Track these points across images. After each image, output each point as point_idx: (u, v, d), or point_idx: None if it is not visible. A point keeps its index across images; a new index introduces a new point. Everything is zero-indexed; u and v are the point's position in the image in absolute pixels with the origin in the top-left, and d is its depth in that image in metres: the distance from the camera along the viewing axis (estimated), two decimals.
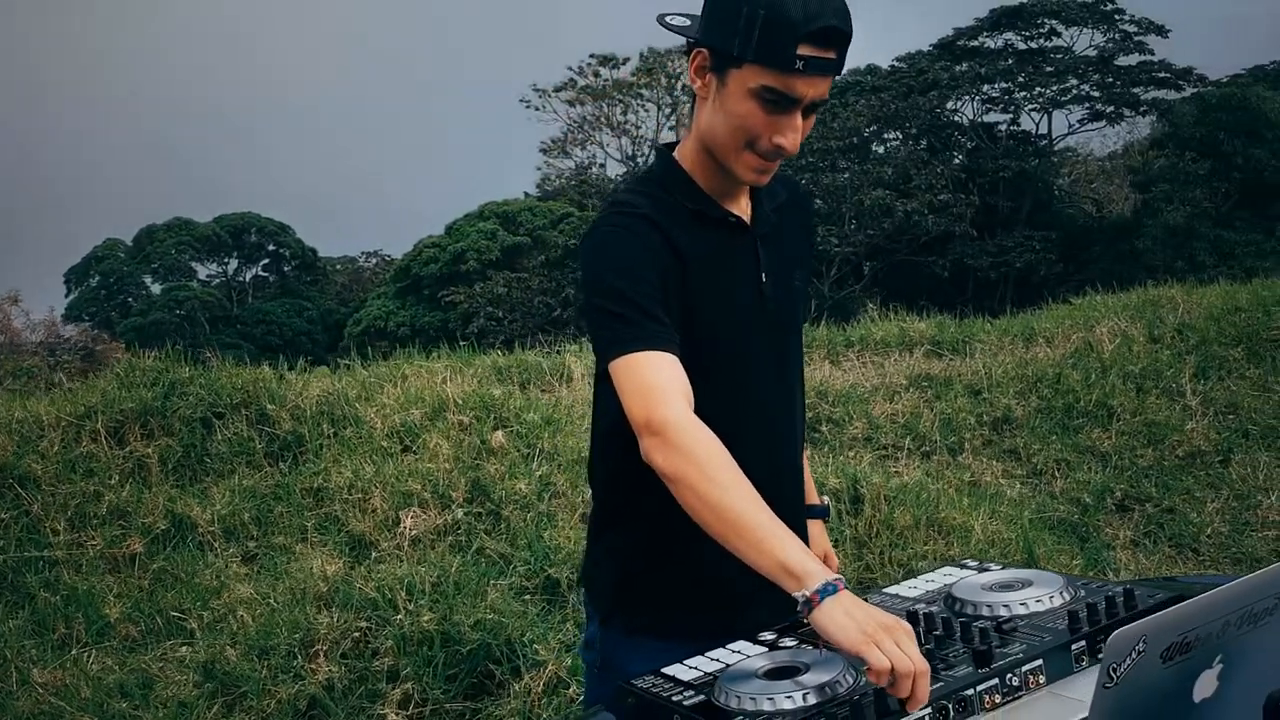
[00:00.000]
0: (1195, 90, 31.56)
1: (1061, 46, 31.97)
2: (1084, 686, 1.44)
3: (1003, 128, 33.08)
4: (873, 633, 1.45)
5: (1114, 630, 1.48)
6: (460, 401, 5.62)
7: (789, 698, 1.45)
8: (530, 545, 4.45)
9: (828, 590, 1.52)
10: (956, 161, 31.21)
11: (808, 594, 1.53)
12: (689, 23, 1.85)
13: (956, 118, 32.54)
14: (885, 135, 31.60)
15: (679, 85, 36.90)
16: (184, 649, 4.09)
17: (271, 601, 4.20)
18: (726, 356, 1.87)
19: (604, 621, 1.98)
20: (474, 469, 5.06)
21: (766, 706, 1.44)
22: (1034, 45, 32.02)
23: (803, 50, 1.66)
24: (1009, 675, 1.46)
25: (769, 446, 1.92)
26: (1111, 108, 32.01)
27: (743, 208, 1.90)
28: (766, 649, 1.68)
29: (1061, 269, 30.59)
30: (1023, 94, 31.59)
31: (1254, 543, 4.90)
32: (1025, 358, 6.60)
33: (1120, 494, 5.30)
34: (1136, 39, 30.99)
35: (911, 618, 1.62)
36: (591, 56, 36.65)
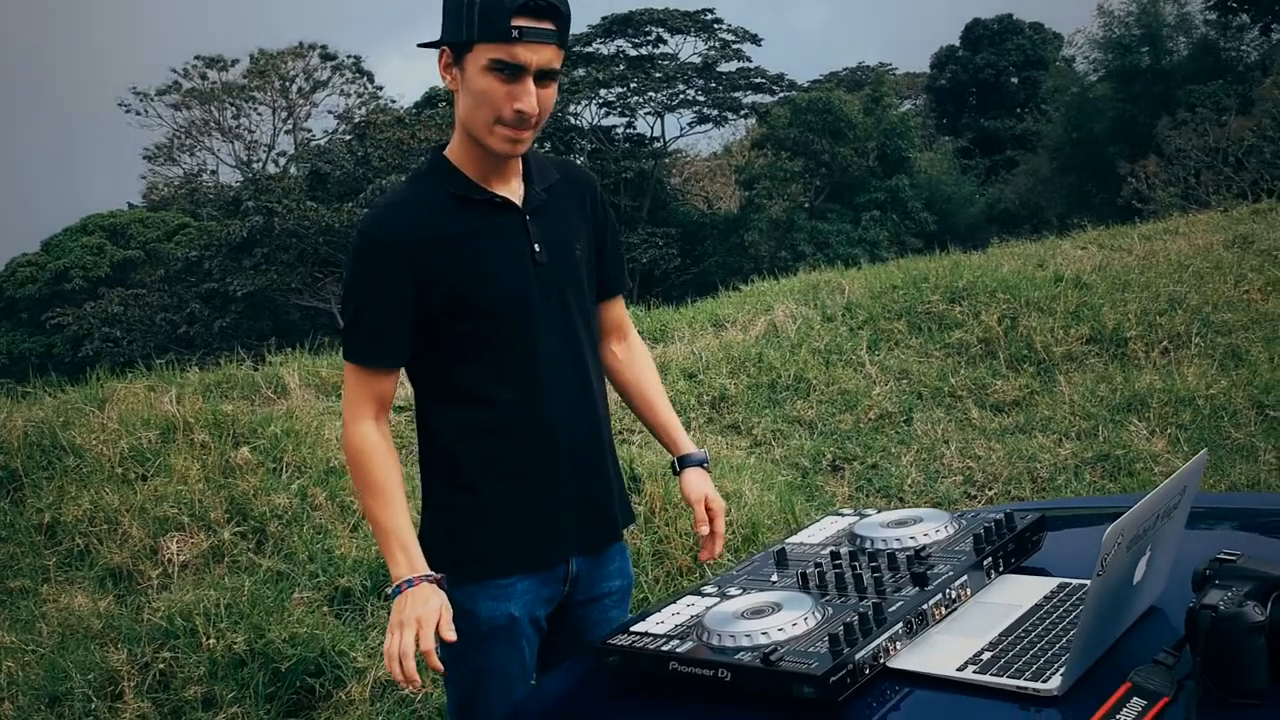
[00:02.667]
0: (786, 94, 34.47)
1: (668, 54, 33.93)
2: (1000, 593, 1.76)
3: (620, 131, 34.65)
4: (395, 625, 1.94)
5: (1008, 546, 1.86)
6: (192, 420, 5.34)
7: (780, 630, 1.61)
8: (313, 558, 4.36)
9: (397, 591, 1.99)
10: (581, 164, 32.33)
11: (394, 581, 2.02)
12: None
13: (577, 121, 33.69)
14: None
15: (294, 88, 35.73)
16: None
17: (37, 648, 3.87)
18: (509, 318, 2.13)
19: (450, 579, 2.11)
20: (226, 488, 4.86)
21: (764, 640, 1.59)
22: (644, 52, 33.76)
23: (517, 21, 1.95)
24: (946, 590, 1.71)
25: (564, 397, 2.18)
26: (716, 111, 34.32)
27: (513, 189, 2.16)
28: (718, 599, 1.86)
29: (679, 263, 32.52)
30: (636, 98, 33.20)
31: (946, 487, 5.63)
32: (725, 341, 7.13)
33: (830, 456, 5.89)
34: (735, 47, 33.43)
35: (841, 556, 1.90)
36: (197, 58, 34.68)
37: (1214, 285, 8.08)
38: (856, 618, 1.59)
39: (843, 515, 2.21)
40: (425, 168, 2.17)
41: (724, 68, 33.65)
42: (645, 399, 2.46)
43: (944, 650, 1.60)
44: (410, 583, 1.99)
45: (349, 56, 35.58)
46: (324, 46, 35.31)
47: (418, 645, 1.92)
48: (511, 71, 1.99)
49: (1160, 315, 7.39)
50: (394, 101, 35.96)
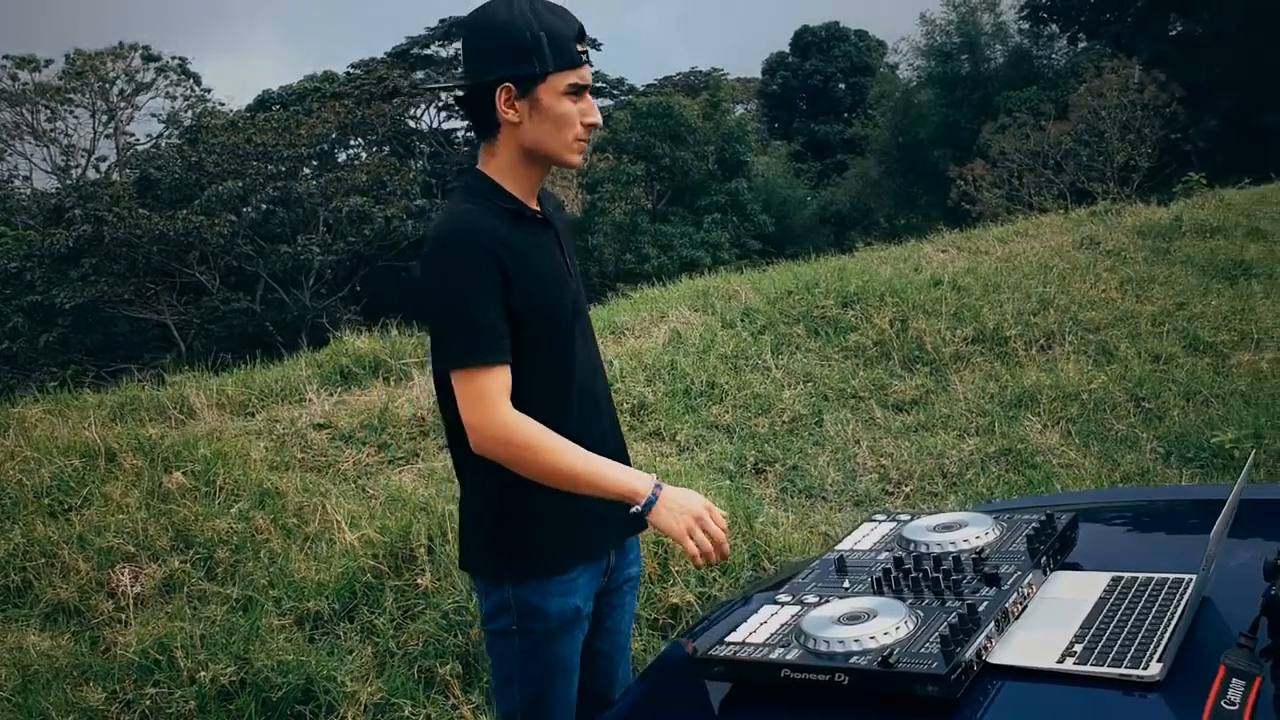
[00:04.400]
0: (626, 99, 34.81)
1: None
2: (1060, 589, 1.90)
3: (460, 134, 34.35)
4: (690, 527, 2.10)
5: (1056, 544, 2.04)
6: (116, 446, 5.17)
7: (886, 634, 1.70)
8: (274, 584, 4.30)
9: (652, 500, 2.10)
10: (422, 167, 31.96)
11: (639, 507, 2.11)
12: (446, 80, 2.25)
13: (416, 124, 33.27)
14: (349, 143, 31.56)
15: (115, 90, 34.14)
16: None
17: None
18: (557, 327, 2.27)
19: (500, 581, 2.25)
20: (165, 515, 4.73)
21: (873, 644, 1.68)
22: None
23: (579, 47, 2.18)
24: (1020, 588, 1.85)
25: (597, 405, 2.35)
26: None
27: (536, 207, 2.31)
28: (801, 606, 1.98)
29: None
30: None
31: (865, 485, 5.90)
32: (633, 349, 7.26)
33: (753, 459, 6.09)
34: None
35: (905, 561, 2.01)
36: (6, 57, 32.77)
37: (1075, 285, 8.65)
38: (956, 618, 1.71)
39: (879, 521, 2.35)
40: (473, 187, 2.24)
41: None
42: None
43: (1033, 645, 1.72)
44: (659, 486, 2.12)
45: (174, 58, 34.24)
46: (146, 47, 33.88)
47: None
48: (581, 91, 2.19)
49: (1034, 315, 7.88)
50: (223, 104, 34.78)
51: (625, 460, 2.43)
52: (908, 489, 5.78)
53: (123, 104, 34.04)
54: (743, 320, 7.74)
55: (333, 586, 4.24)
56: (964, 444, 6.19)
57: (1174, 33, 34.37)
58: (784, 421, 6.47)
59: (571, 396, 2.26)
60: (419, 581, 4.25)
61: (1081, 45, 36.01)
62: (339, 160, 30.66)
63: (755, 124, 38.26)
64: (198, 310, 26.08)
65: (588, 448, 2.26)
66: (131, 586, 4.20)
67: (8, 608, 4.28)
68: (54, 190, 31.65)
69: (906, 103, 36.37)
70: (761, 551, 4.46)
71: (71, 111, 33.50)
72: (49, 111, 33.45)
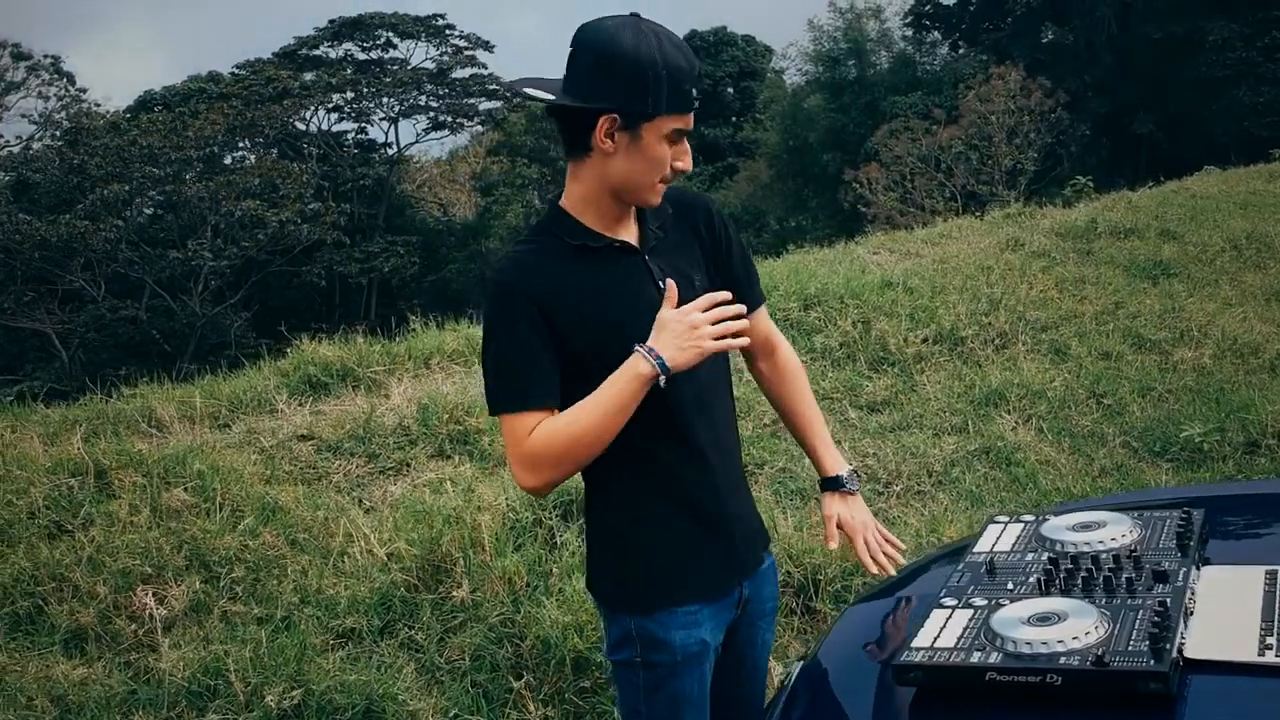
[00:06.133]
0: (519, 100, 34.65)
1: (398, 58, 33.40)
2: (1218, 583, 1.93)
3: (350, 136, 33.80)
4: (695, 340, 2.03)
5: (1202, 540, 2.11)
6: (107, 462, 4.95)
7: (1087, 634, 1.72)
8: (305, 601, 4.18)
9: (660, 363, 2.02)
10: (313, 170, 31.30)
11: (662, 378, 2.04)
12: (548, 93, 2.20)
13: (305, 126, 32.59)
14: (237, 145, 30.74)
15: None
16: None
17: None
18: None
19: (623, 612, 2.23)
20: (174, 533, 4.55)
21: (1077, 645, 1.69)
22: (373, 56, 33.09)
23: (693, 91, 2.10)
24: (1190, 584, 1.90)
25: (711, 432, 2.26)
26: (450, 118, 34.08)
27: (630, 232, 2.23)
28: (975, 610, 2.02)
29: (417, 270, 32.08)
30: (370, 104, 32.49)
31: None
32: None
33: (745, 461, 6.12)
34: (467, 53, 33.31)
35: (1061, 561, 2.02)
36: None
37: (1015, 286, 8.93)
38: (1154, 615, 1.75)
39: (1003, 522, 2.38)
40: (542, 221, 2.21)
41: (458, 74, 33.49)
42: (794, 417, 2.55)
43: (1223, 638, 1.77)
44: (648, 350, 2.03)
45: (46, 56, 32.83)
46: (17, 45, 32.43)
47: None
48: (681, 135, 2.11)
49: (985, 315, 8.11)
50: (99, 105, 33.46)
51: (747, 495, 2.40)
52: (898, 488, 5.89)
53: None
54: None
55: (368, 602, 4.13)
56: (942, 443, 6.34)
57: (1047, 40, 35.72)
58: (765, 424, 6.53)
59: (691, 419, 2.19)
60: (455, 594, 4.18)
61: (961, 52, 37.15)
62: (225, 163, 29.83)
63: None
64: (81, 319, 25.06)
65: (715, 468, 2.24)
66: (157, 609, 4.02)
67: (18, 635, 4.06)
68: None
69: (795, 107, 37.04)
70: (789, 558, 4.50)
71: None
72: None
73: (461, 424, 6.11)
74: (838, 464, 2.54)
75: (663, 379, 2.05)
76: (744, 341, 2.12)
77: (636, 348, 2.04)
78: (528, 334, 2.07)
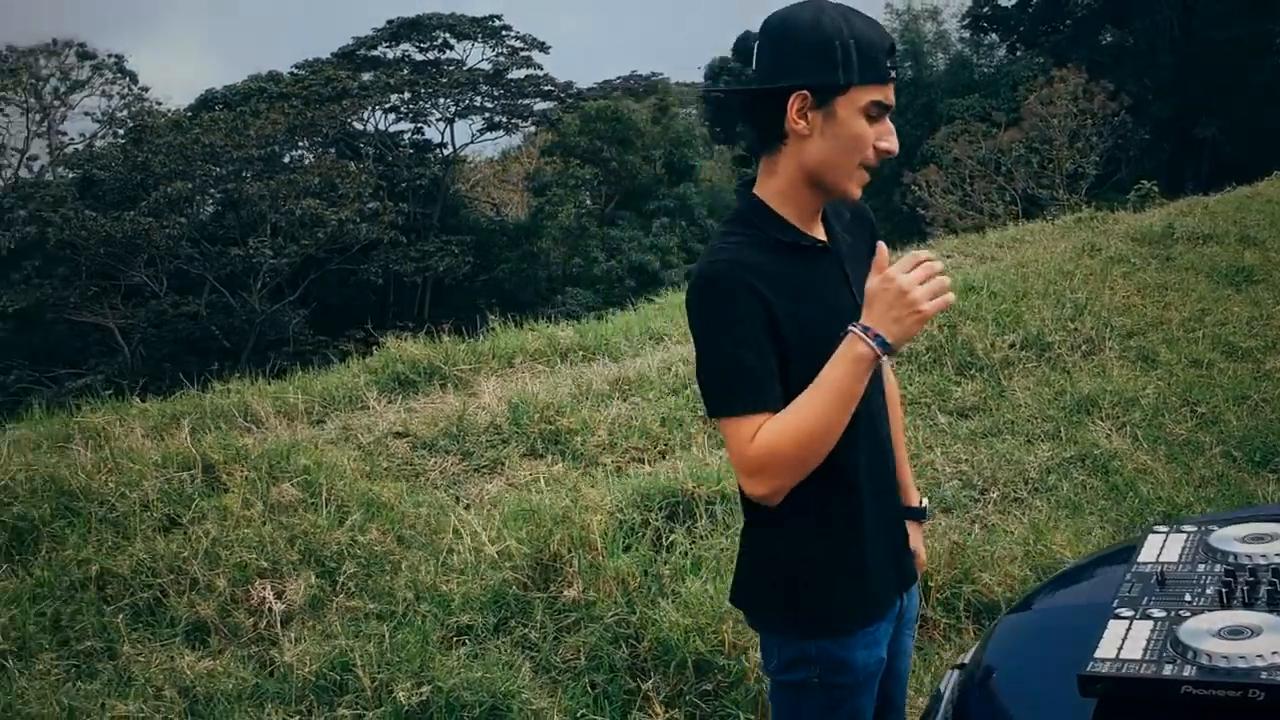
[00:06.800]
0: (574, 101, 34.74)
1: (455, 59, 33.57)
2: None
3: (407, 136, 34.01)
4: (911, 308, 1.88)
5: None
6: (215, 457, 5.01)
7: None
8: (420, 597, 4.20)
9: (880, 341, 1.89)
10: (369, 169, 31.56)
11: (885, 358, 1.93)
12: (728, 84, 2.13)
13: (363, 126, 32.85)
14: (296, 145, 31.04)
15: (48, 88, 33.17)
16: None
17: (169, 715, 3.57)
18: None
19: (799, 634, 2.17)
20: (285, 528, 4.59)
21: (1278, 659, 1.66)
22: (430, 57, 33.29)
23: (888, 62, 2.00)
24: None
25: (876, 450, 2.21)
26: (505, 118, 34.20)
27: (820, 232, 2.14)
28: (1149, 620, 1.98)
29: (469, 270, 32.22)
30: (426, 104, 32.69)
31: (951, 491, 5.94)
32: (683, 355, 7.24)
33: None
34: (523, 54, 33.42)
35: (1239, 573, 1.98)
36: None
37: (1096, 291, 8.81)
38: None
39: (1163, 532, 2.34)
40: (743, 214, 2.10)
41: (513, 75, 33.61)
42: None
43: None
44: (864, 328, 1.89)
45: (110, 55, 33.36)
46: (82, 44, 32.98)
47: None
48: (882, 112, 2.01)
49: (1071, 321, 8.01)
50: (160, 103, 33.95)
51: (901, 517, 2.35)
52: (994, 495, 5.83)
53: (56, 102, 33.07)
54: None
55: (481, 600, 4.15)
56: (1036, 449, 6.27)
57: (1106, 42, 35.28)
58: None
59: (858, 435, 2.07)
60: (566, 593, 4.18)
61: (1019, 54, 36.78)
62: (284, 162, 30.13)
63: (700, 129, 38.38)
64: (143, 315, 25.41)
65: (884, 486, 2.22)
66: (276, 603, 4.05)
67: (139, 626, 4.11)
68: None
69: None
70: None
71: (3, 110, 32.43)
72: None
73: (553, 424, 6.12)
74: (912, 495, 2.53)
75: (885, 359, 1.94)
76: (953, 299, 1.96)
77: (851, 328, 1.90)
78: (756, 330, 1.96)
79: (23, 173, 31.98)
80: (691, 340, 2.06)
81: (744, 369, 1.96)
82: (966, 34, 36.57)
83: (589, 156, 33.96)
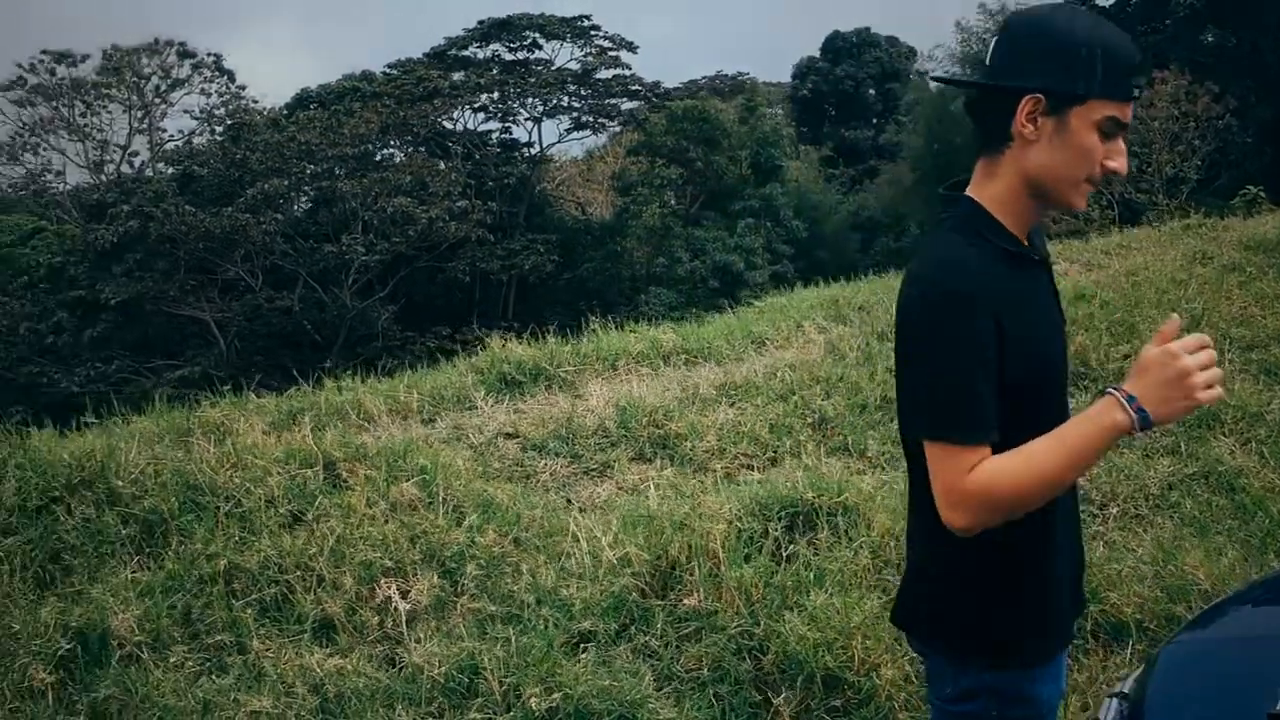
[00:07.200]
0: (660, 101, 34.73)
1: (544, 59, 33.78)
2: None
3: (495, 136, 34.30)
4: (1186, 392, 1.81)
5: None
6: (337, 455, 5.08)
7: None
8: (543, 601, 4.21)
9: (1142, 415, 1.81)
10: (457, 168, 31.88)
11: (1130, 428, 1.84)
12: (957, 74, 2.03)
13: (452, 125, 33.20)
14: (388, 143, 31.49)
15: (150, 86, 34.03)
16: None
17: (301, 712, 3.61)
18: (1056, 389, 2.08)
19: (979, 664, 2.08)
20: (407, 527, 4.64)
21: None
22: (520, 57, 33.53)
23: (1133, 80, 1.94)
24: None
25: None
26: (593, 118, 34.32)
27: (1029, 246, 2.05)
28: None
29: (553, 268, 32.39)
30: (515, 103, 32.94)
31: None
32: (792, 360, 7.17)
33: None
34: (611, 54, 33.51)
35: None
36: (44, 53, 32.65)
37: (1213, 301, 8.55)
38: None
39: None
40: (968, 219, 2.00)
41: (601, 75, 33.71)
42: None
43: None
44: (1127, 396, 1.82)
45: (209, 54, 34.12)
46: (182, 43, 33.78)
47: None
48: (1116, 129, 1.94)
49: (1187, 332, 7.77)
50: (256, 101, 34.63)
51: (1078, 516, 2.24)
52: (1114, 510, 5.68)
53: (157, 100, 33.93)
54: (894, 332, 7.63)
55: (601, 605, 4.14)
56: (1156, 464, 6.10)
57: (1208, 42, 34.31)
58: None
59: None
60: (687, 601, 4.16)
61: None
62: (376, 160, 30.57)
63: (787, 129, 38.15)
64: (239, 308, 25.97)
65: (1065, 533, 2.11)
66: (401, 602, 4.09)
67: (266, 622, 4.18)
68: (90, 185, 31.57)
69: (940, 109, 36.32)
70: None
71: (106, 107, 33.34)
72: (84, 107, 33.31)
73: (661, 428, 6.11)
74: None
75: (1138, 431, 1.85)
76: (1223, 394, 1.89)
77: (1111, 391, 1.84)
78: (989, 353, 1.87)
79: (124, 168, 32.86)
80: (904, 349, 1.96)
81: (973, 394, 1.87)
82: None
83: (675, 156, 33.93)
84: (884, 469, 6.06)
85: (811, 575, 4.17)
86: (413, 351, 26.85)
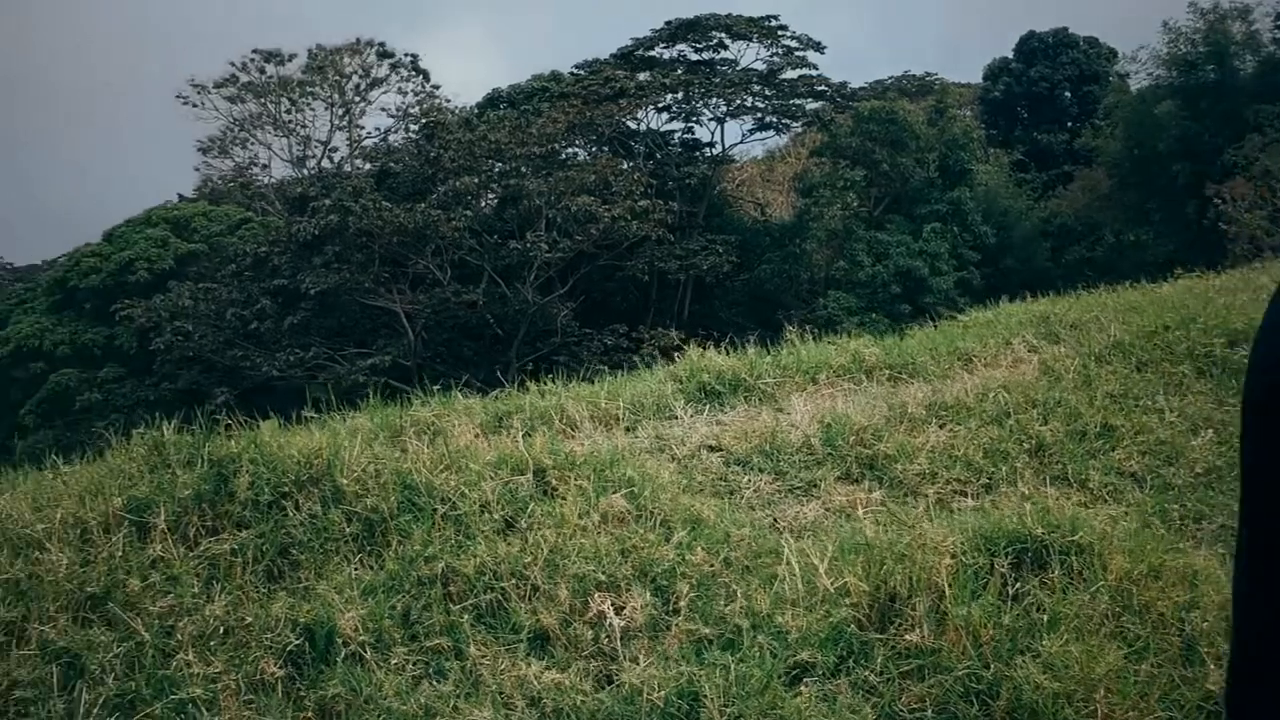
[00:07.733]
0: (846, 102, 34.20)
1: (729, 59, 33.67)
2: None
3: (678, 136, 34.39)
4: None
5: None
6: (548, 463, 5.10)
7: None
8: (757, 628, 4.11)
9: None
10: (638, 167, 32.09)
11: None
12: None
13: (636, 125, 33.42)
14: (574, 142, 31.92)
15: (351, 85, 35.42)
16: None
17: None
18: None
19: None
20: (618, 541, 4.61)
21: None
22: (705, 57, 33.51)
23: None
24: None
25: None
26: (777, 118, 34.05)
27: None
28: None
29: (730, 269, 32.26)
30: (699, 104, 32.95)
31: None
32: (1003, 380, 6.88)
33: (1177, 514, 5.63)
34: (798, 54, 33.16)
35: None
36: (255, 52, 34.40)
37: None
38: None
39: None
40: None
41: (787, 75, 33.41)
42: None
43: None
44: None
45: (406, 55, 35.31)
46: (382, 44, 35.04)
47: None
48: None
49: None
50: (449, 100, 35.64)
51: None
52: None
53: (357, 98, 35.27)
54: (1115, 354, 7.25)
55: (819, 636, 4.02)
56: None
57: None
58: (1196, 473, 5.99)
59: None
60: (908, 637, 3.99)
61: None
62: (562, 159, 31.05)
63: (977, 131, 37.02)
64: (427, 300, 26.76)
65: None
66: (616, 619, 4.06)
67: (481, 629, 4.21)
68: (293, 179, 33.06)
69: (1143, 113, 34.63)
70: None
71: (310, 104, 34.85)
72: (290, 104, 34.91)
73: (869, 447, 5.94)
74: None
75: None
76: None
77: None
78: None
79: (325, 163, 34.31)
80: None
81: None
82: None
83: (859, 158, 33.36)
84: (1107, 501, 5.75)
85: (1045, 618, 3.94)
86: (589, 348, 27.26)
